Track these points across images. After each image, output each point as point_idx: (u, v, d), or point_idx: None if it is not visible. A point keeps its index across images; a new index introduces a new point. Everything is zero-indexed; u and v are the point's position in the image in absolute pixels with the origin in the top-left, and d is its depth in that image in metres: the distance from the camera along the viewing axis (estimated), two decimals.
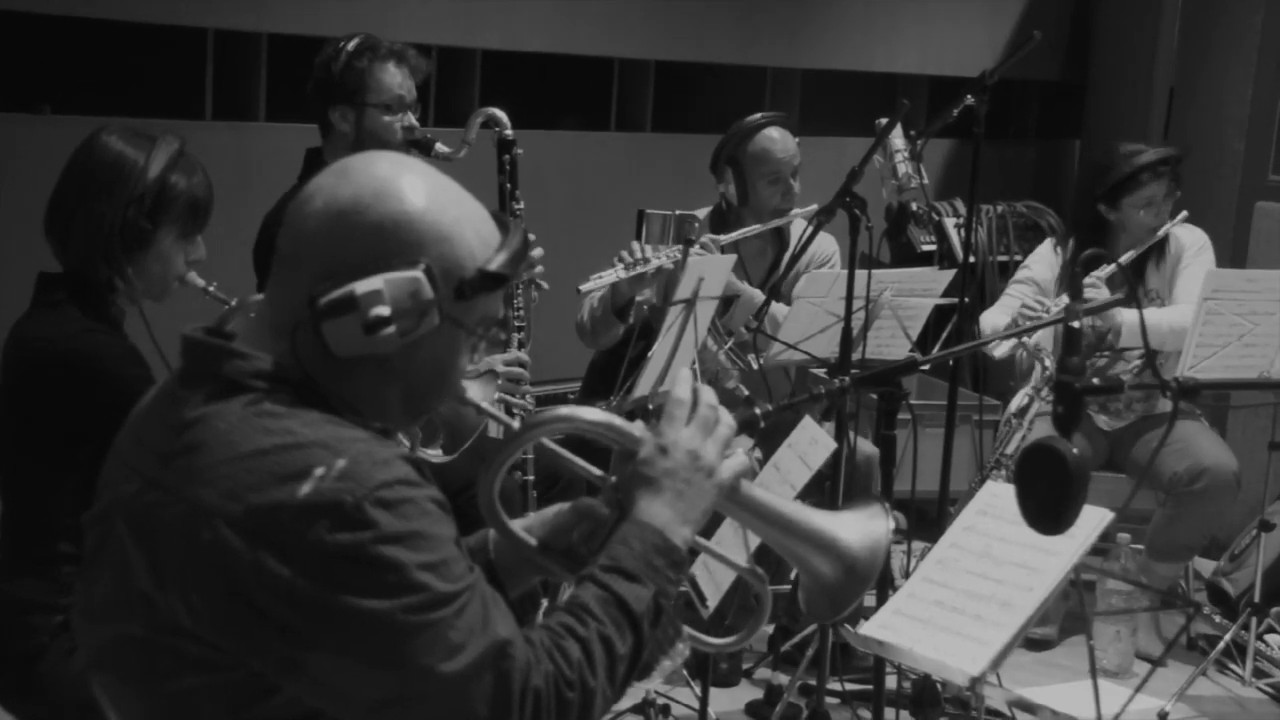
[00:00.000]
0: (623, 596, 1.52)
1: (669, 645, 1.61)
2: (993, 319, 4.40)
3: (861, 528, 1.67)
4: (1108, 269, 4.21)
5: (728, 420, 1.65)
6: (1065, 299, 4.25)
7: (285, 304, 1.52)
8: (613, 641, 1.50)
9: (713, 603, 2.86)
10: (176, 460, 1.47)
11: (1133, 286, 4.34)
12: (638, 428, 1.64)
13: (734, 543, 2.87)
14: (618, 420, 1.64)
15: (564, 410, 1.64)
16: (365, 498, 1.40)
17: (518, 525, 1.71)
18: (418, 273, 1.47)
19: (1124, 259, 4.31)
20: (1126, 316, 4.22)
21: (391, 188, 1.50)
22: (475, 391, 2.02)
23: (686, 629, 1.67)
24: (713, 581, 2.88)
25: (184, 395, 1.51)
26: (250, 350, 1.51)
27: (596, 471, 1.69)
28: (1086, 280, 4.17)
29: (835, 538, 1.67)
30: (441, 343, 1.53)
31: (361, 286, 1.46)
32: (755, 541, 1.95)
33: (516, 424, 1.67)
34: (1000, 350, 4.26)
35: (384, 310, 1.46)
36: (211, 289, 2.77)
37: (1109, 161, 4.42)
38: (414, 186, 1.51)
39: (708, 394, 1.65)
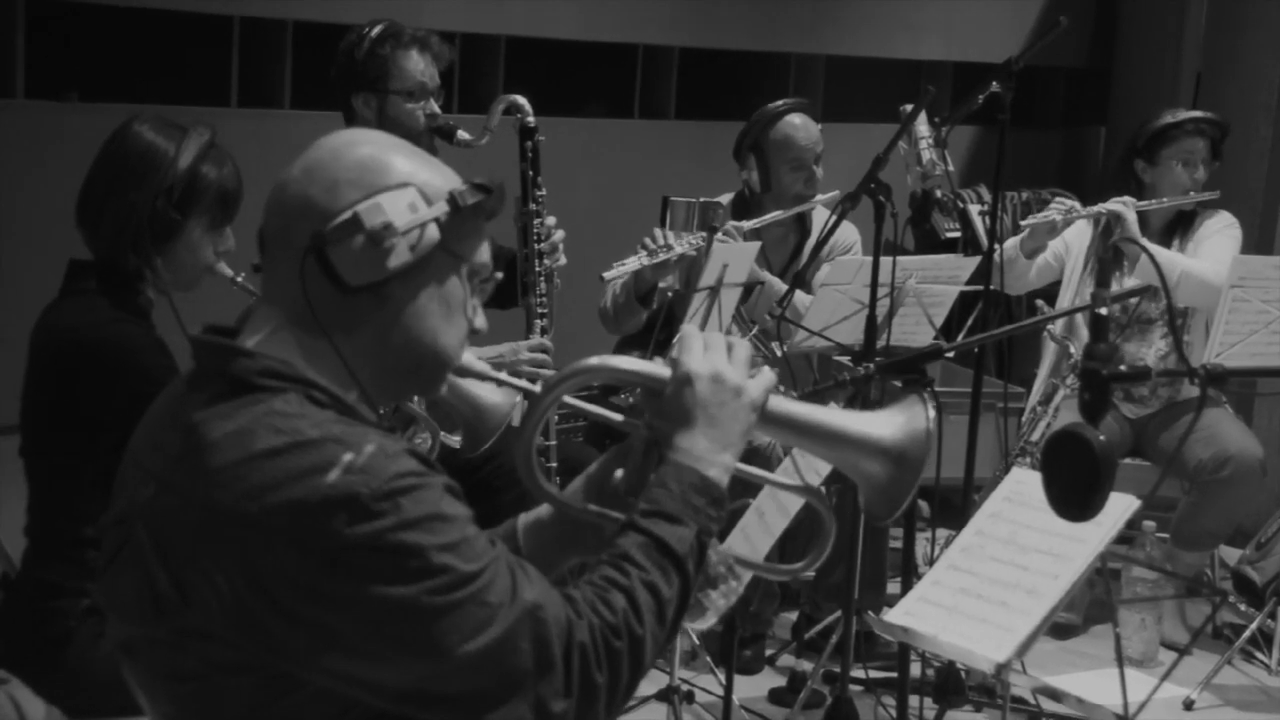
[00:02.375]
0: (664, 539, 1.53)
1: (721, 583, 1.59)
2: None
3: (901, 419, 1.66)
4: (1122, 206, 4.27)
5: (742, 342, 1.64)
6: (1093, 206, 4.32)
7: (285, 278, 1.53)
8: (658, 586, 1.51)
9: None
10: (190, 463, 1.47)
11: (1136, 240, 4.33)
12: (658, 366, 1.63)
13: (762, 532, 2.86)
14: (634, 362, 1.64)
15: (579, 364, 1.62)
16: (380, 489, 1.41)
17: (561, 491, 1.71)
18: (410, 188, 1.53)
19: (1150, 203, 4.34)
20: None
21: (362, 138, 1.58)
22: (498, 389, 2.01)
23: (749, 560, 1.65)
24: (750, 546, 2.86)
25: (194, 396, 1.52)
26: (257, 349, 1.52)
27: (621, 418, 1.68)
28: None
29: (879, 435, 1.65)
30: (440, 277, 1.56)
31: (361, 206, 1.51)
32: (795, 507, 1.91)
33: (538, 387, 1.66)
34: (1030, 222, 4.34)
35: (387, 217, 1.50)
36: (240, 279, 2.78)
37: (1151, 119, 4.52)
38: (382, 137, 1.59)
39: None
